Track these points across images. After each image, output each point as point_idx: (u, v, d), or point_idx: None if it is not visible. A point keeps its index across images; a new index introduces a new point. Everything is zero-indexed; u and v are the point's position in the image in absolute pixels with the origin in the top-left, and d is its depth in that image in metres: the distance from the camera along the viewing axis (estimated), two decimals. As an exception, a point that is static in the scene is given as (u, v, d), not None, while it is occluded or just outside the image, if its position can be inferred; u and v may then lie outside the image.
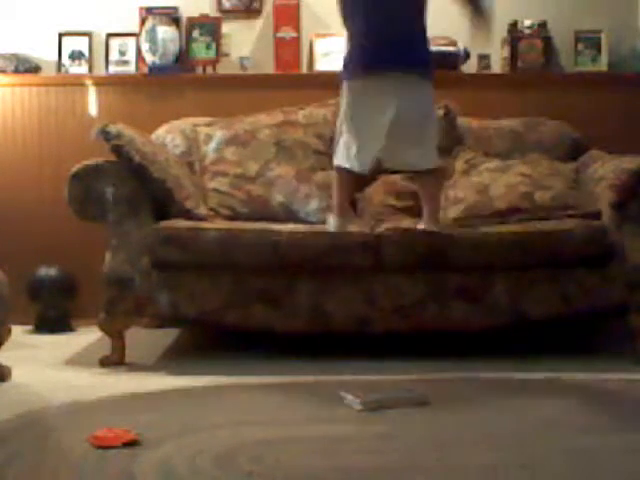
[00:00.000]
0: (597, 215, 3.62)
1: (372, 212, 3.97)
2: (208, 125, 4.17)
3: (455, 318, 3.50)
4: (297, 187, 3.92)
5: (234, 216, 3.84)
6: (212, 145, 4.09)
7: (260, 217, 3.80)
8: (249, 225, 3.60)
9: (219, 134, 4.11)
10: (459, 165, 4.02)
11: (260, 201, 3.90)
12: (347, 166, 3.48)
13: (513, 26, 4.45)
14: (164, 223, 3.53)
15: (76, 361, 3.62)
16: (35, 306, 4.24)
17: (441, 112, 4.18)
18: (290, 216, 3.83)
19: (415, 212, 3.96)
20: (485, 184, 3.81)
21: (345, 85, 3.47)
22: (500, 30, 4.46)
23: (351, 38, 3.51)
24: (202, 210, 3.73)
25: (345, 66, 3.49)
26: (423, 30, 3.48)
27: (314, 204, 3.87)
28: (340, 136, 3.56)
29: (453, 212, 3.76)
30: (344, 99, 3.49)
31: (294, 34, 4.46)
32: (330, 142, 4.00)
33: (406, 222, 3.80)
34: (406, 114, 3.39)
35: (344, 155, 3.49)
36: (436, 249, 3.47)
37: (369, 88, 3.40)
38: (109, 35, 4.48)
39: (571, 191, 3.81)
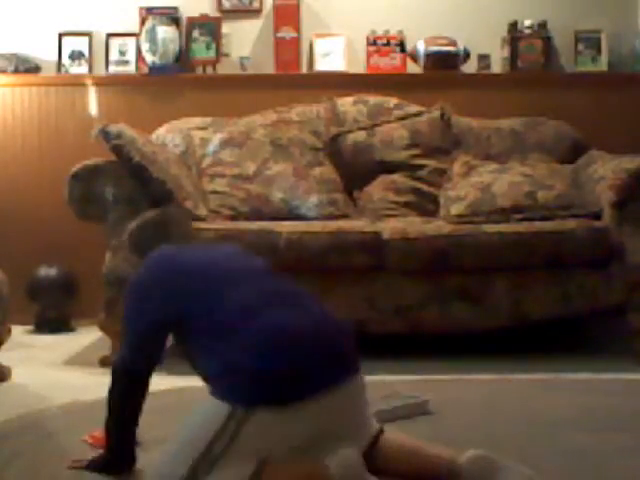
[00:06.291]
0: (598, 215, 3.62)
1: (373, 209, 3.98)
2: (202, 128, 4.16)
3: (456, 319, 3.50)
4: (296, 183, 3.93)
5: (235, 215, 3.84)
6: (208, 148, 4.09)
7: (261, 215, 3.82)
8: (248, 225, 3.60)
9: (214, 137, 4.11)
10: (457, 167, 4.02)
11: (260, 199, 3.90)
12: None
13: (513, 26, 4.45)
14: (164, 223, 3.52)
15: (76, 361, 3.62)
16: (35, 306, 4.24)
17: (437, 113, 4.18)
18: (291, 212, 3.85)
19: (416, 207, 3.97)
20: (486, 183, 3.81)
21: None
22: (500, 30, 4.47)
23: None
24: (201, 210, 3.73)
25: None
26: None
27: (314, 199, 3.88)
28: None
29: (455, 209, 3.76)
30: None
31: (294, 34, 4.46)
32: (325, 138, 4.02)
33: (409, 218, 3.80)
34: None
35: None
36: (438, 251, 3.47)
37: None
38: (109, 35, 4.48)
39: (572, 191, 3.80)
